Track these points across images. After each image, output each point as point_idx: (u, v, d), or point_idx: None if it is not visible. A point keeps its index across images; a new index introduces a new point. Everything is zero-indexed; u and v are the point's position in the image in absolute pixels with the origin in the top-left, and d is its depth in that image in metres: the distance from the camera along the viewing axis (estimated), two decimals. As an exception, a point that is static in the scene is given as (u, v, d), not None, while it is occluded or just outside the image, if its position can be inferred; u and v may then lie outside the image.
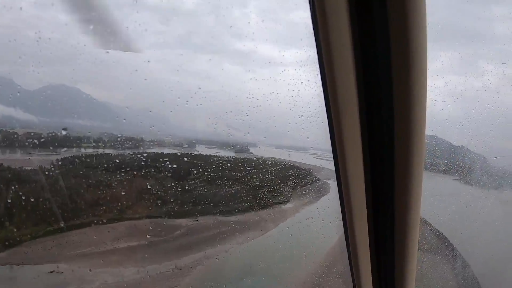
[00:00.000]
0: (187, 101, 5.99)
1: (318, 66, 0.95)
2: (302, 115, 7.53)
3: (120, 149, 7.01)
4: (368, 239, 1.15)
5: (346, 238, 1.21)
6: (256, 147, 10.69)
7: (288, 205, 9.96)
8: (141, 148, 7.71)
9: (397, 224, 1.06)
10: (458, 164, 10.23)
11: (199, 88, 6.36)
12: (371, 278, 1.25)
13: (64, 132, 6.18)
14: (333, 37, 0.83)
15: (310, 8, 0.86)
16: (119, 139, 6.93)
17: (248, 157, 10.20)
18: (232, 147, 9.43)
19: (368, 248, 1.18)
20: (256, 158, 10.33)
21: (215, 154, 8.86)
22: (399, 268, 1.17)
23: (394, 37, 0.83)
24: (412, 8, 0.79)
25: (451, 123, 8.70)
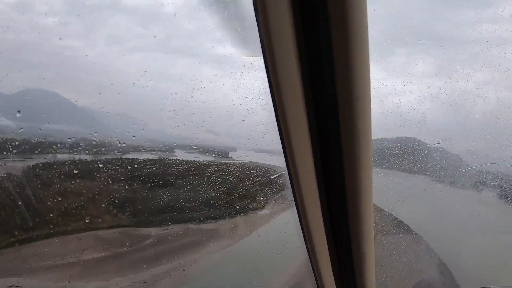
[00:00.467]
0: (166, 105, 6.00)
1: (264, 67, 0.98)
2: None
3: (95, 154, 6.91)
4: (325, 236, 1.17)
5: (304, 235, 1.23)
6: (236, 151, 10.74)
7: (264, 211, 9.91)
8: (118, 153, 7.63)
9: (351, 219, 1.08)
10: (434, 165, 10.59)
11: (176, 93, 6.38)
12: (331, 271, 1.27)
13: (40, 138, 6.06)
14: (275, 38, 0.85)
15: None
16: (95, 144, 6.84)
17: (226, 161, 10.15)
18: (211, 152, 9.42)
19: (326, 244, 1.20)
20: (234, 163, 10.26)
21: (193, 160, 8.81)
22: (357, 259, 1.20)
23: (335, 33, 0.85)
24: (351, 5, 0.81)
25: (427, 125, 9.01)
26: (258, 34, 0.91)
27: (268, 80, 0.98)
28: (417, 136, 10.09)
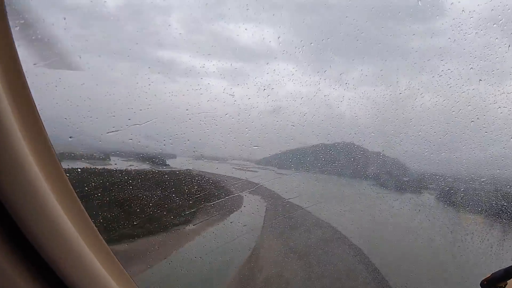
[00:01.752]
0: (106, 109, 5.98)
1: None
2: (220, 126, 7.92)
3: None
4: None
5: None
6: (175, 158, 10.74)
7: (189, 227, 9.70)
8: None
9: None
10: (375, 168, 11.33)
11: (112, 94, 6.39)
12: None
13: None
14: None
15: None
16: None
17: (162, 169, 10.23)
18: (149, 159, 9.37)
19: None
20: (170, 171, 10.41)
21: (127, 169, 8.63)
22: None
23: None
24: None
25: (367, 130, 9.73)
26: None
27: None
28: (356, 142, 10.64)
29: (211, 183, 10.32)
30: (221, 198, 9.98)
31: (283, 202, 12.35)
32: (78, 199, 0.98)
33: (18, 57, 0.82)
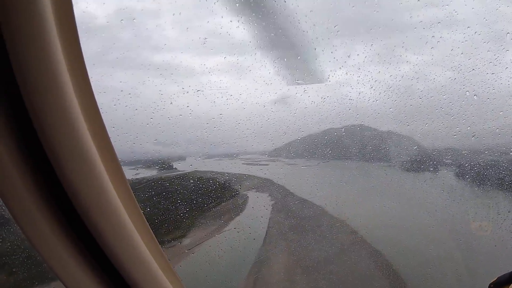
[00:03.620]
0: (110, 118, 6.06)
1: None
2: (227, 122, 7.99)
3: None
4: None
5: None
6: (184, 160, 10.78)
7: (186, 241, 9.40)
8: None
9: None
10: (386, 151, 11.24)
11: (119, 102, 6.45)
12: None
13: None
14: None
15: None
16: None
17: (167, 175, 10.12)
18: (155, 164, 9.43)
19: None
20: (176, 176, 10.20)
21: (130, 178, 8.54)
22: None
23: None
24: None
25: (376, 112, 9.69)
26: None
27: None
28: (365, 123, 10.59)
29: (218, 184, 10.18)
30: (226, 201, 9.96)
31: (295, 201, 11.72)
32: (135, 199, 1.05)
33: (83, 57, 0.88)
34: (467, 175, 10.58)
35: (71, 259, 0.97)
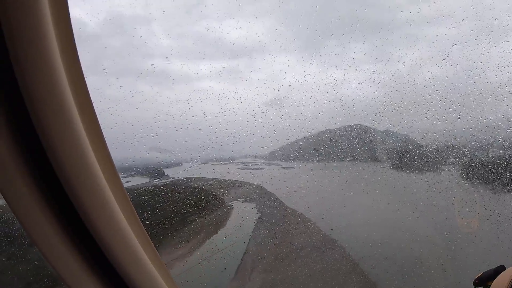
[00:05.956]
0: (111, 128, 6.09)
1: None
2: (223, 126, 8.02)
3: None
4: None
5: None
6: (180, 165, 10.76)
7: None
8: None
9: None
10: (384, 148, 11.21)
11: (115, 110, 6.47)
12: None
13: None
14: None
15: None
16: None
17: (156, 183, 9.91)
18: (149, 172, 9.39)
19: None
20: (166, 184, 9.98)
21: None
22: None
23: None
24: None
25: (372, 110, 9.76)
26: None
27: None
28: (363, 123, 10.60)
29: (205, 193, 9.78)
30: (208, 215, 9.22)
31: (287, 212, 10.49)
32: (131, 202, 1.08)
33: (78, 57, 0.90)
34: (463, 172, 10.59)
35: (72, 258, 1.01)
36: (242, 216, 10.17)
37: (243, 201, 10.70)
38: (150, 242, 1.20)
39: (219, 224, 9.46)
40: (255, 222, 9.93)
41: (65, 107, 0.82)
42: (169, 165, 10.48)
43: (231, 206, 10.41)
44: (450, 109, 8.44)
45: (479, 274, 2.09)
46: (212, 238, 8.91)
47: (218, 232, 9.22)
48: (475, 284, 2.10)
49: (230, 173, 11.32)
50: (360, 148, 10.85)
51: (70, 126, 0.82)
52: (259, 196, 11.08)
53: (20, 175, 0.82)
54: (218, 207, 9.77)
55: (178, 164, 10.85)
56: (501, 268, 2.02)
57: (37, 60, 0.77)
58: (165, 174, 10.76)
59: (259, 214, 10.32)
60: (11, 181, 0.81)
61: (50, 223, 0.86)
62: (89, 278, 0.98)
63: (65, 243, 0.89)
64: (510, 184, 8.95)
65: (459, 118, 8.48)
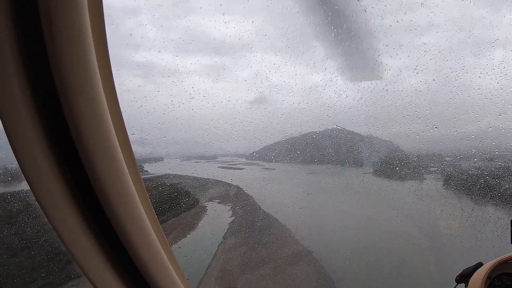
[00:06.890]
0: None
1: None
2: (206, 123, 7.97)
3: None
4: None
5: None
6: (161, 161, 10.60)
7: None
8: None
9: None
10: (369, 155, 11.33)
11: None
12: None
13: None
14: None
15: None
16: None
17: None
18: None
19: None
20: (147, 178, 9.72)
21: None
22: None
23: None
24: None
25: (355, 117, 9.84)
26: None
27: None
28: (346, 127, 10.63)
29: (180, 191, 9.56)
30: (180, 215, 8.86)
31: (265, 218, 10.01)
32: (148, 198, 1.09)
33: (110, 59, 0.91)
34: (444, 179, 10.85)
35: (97, 255, 1.05)
36: (215, 219, 9.91)
37: (218, 203, 10.57)
38: (167, 242, 1.20)
39: (190, 227, 9.15)
40: (225, 229, 9.53)
41: (99, 109, 0.82)
42: (150, 160, 10.35)
43: (205, 207, 10.23)
44: (429, 120, 8.61)
45: (460, 272, 2.21)
46: (178, 243, 8.57)
47: (187, 236, 8.89)
48: (456, 281, 2.22)
49: (210, 171, 11.22)
50: (342, 153, 10.96)
51: (102, 127, 0.83)
52: (236, 197, 10.86)
53: (53, 174, 0.83)
54: (191, 208, 9.58)
55: (160, 159, 10.72)
56: (479, 265, 2.15)
57: (75, 61, 0.77)
58: (144, 169, 10.62)
59: (232, 218, 10.11)
60: (43, 179, 0.82)
61: (78, 221, 0.87)
62: (113, 277, 1.00)
63: (91, 241, 0.91)
64: (485, 190, 9.32)
65: (435, 127, 8.64)
